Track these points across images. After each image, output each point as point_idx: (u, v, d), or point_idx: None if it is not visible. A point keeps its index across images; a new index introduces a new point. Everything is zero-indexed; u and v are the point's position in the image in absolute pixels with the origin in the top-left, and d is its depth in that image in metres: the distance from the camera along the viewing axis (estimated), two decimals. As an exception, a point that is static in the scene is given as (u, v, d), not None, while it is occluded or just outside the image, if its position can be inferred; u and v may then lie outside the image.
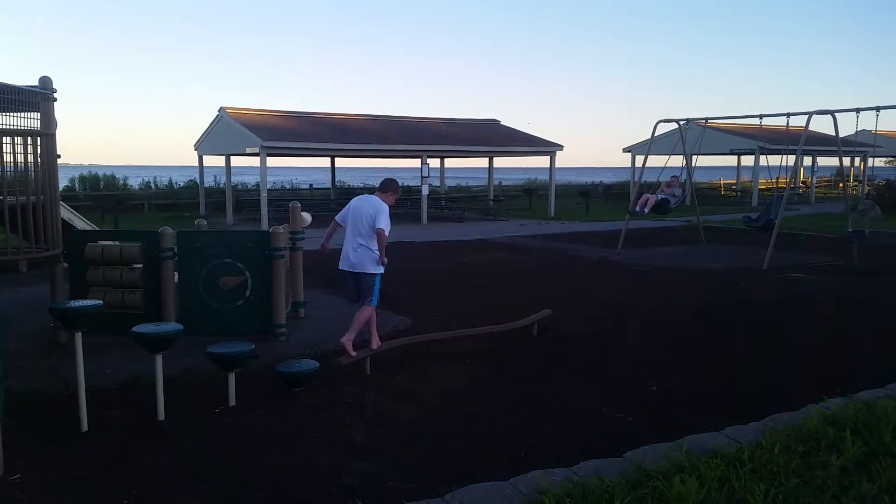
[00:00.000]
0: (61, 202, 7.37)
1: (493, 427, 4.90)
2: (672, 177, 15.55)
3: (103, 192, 26.43)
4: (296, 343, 7.19)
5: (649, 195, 14.88)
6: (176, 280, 7.27)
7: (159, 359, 5.10)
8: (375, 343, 6.47)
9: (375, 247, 6.24)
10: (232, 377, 5.36)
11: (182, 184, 30.09)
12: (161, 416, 5.10)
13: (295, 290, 8.27)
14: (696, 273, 11.88)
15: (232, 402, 5.37)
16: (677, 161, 16.34)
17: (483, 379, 6.09)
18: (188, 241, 7.24)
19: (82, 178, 28.21)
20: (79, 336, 4.90)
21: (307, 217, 8.61)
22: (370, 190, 29.96)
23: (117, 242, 7.43)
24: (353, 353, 6.24)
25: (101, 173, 29.43)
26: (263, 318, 7.26)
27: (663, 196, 14.75)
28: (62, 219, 7.47)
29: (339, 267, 6.43)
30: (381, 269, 6.37)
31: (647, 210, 14.83)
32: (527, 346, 7.24)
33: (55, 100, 6.77)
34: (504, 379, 6.09)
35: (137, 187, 29.60)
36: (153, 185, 29.77)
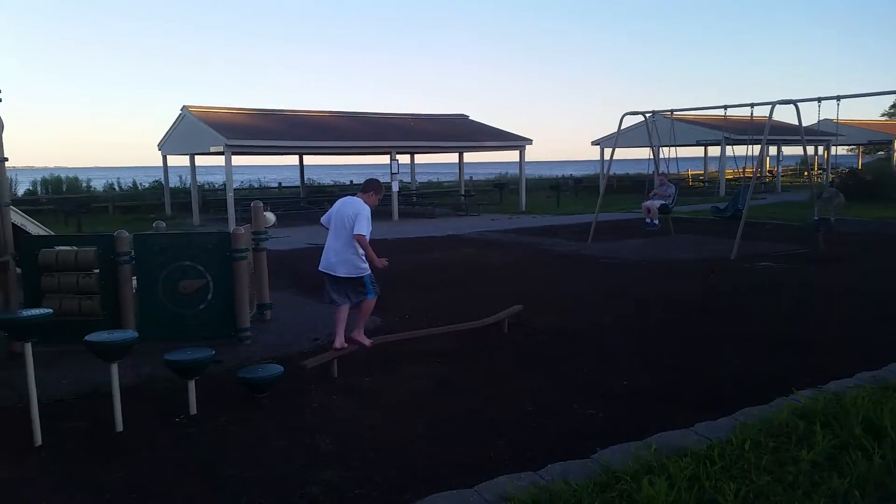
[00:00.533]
0: (12, 207, 7.12)
1: (461, 429, 4.80)
2: (661, 175, 15.57)
3: (66, 195, 25.83)
4: (262, 346, 7.01)
5: (650, 205, 14.88)
6: (135, 285, 7.05)
7: (115, 368, 4.91)
8: (339, 342, 6.31)
9: (357, 250, 6.12)
10: (192, 385, 5.19)
11: (147, 185, 29.51)
12: (119, 427, 4.91)
13: (260, 291, 8.09)
14: (665, 264, 11.91)
15: (193, 410, 5.19)
16: (646, 153, 16.39)
17: (452, 379, 5.99)
18: (145, 244, 7.01)
19: (44, 181, 27.48)
20: (28, 347, 4.70)
21: (270, 217, 8.41)
22: (341, 188, 29.56)
23: (73, 247, 7.17)
24: (368, 342, 6.45)
25: (63, 175, 28.73)
26: (227, 322, 7.06)
27: (661, 202, 14.78)
28: (14, 224, 7.23)
29: (320, 268, 6.30)
30: (366, 271, 6.26)
31: (657, 221, 14.89)
32: (497, 343, 7.15)
33: (0, 100, 6.50)
34: (474, 378, 5.99)
35: (101, 189, 28.95)
36: (117, 187, 29.14)
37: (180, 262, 6.99)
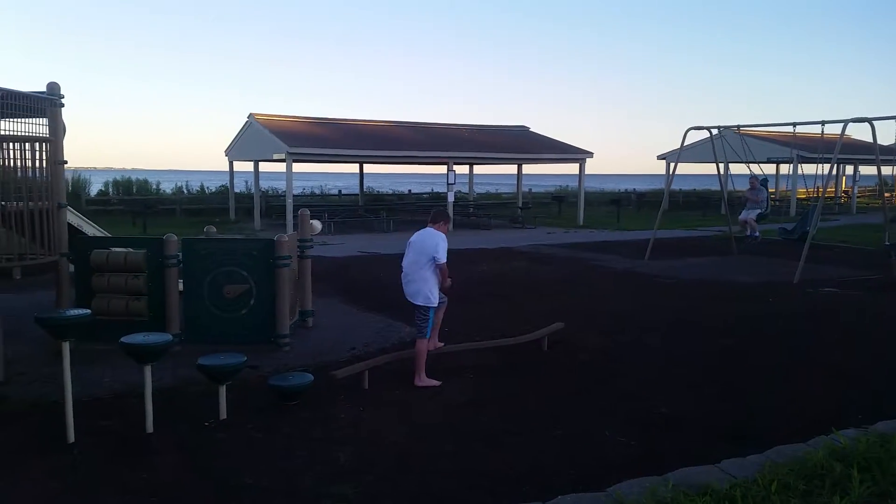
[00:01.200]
0: (69, 208, 7.39)
1: (485, 449, 4.68)
2: (751, 178, 15.12)
3: (135, 197, 26.84)
4: (298, 353, 7.06)
5: (745, 217, 14.51)
6: (181, 288, 7.20)
7: (148, 370, 5.01)
8: (423, 379, 6.20)
9: (432, 279, 6.25)
10: (223, 390, 5.24)
11: (213, 189, 30.40)
12: (149, 428, 5.00)
13: (303, 298, 8.15)
14: (722, 286, 11.47)
15: (223, 415, 5.24)
16: (711, 169, 15.90)
17: (484, 395, 5.87)
18: (192, 248, 7.17)
19: (115, 183, 28.66)
20: (66, 346, 4.83)
21: (317, 225, 8.48)
22: (399, 196, 29.85)
23: (125, 249, 7.39)
24: (437, 383, 6.20)
25: (134, 178, 29.89)
26: (267, 328, 7.14)
27: (756, 211, 14.36)
28: (71, 224, 7.50)
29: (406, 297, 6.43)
30: (435, 303, 6.30)
31: (757, 233, 14.53)
32: (535, 361, 6.99)
33: (62, 105, 6.76)
34: (506, 396, 5.86)
35: (170, 192, 29.98)
36: (185, 190, 30.13)
37: (225, 266, 7.11)
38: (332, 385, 5.86)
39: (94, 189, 28.21)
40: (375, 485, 4.09)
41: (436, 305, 6.34)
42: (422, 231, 6.46)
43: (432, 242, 6.24)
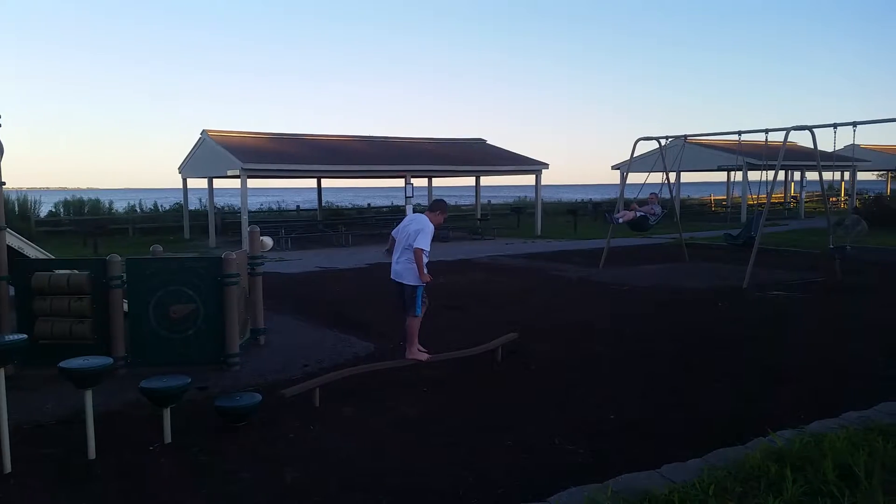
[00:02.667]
0: (9, 230, 7.20)
1: (435, 463, 4.66)
2: (651, 194, 15.41)
3: (87, 217, 26.25)
4: (250, 373, 6.96)
5: (627, 212, 14.76)
6: (126, 309, 7.06)
7: (89, 395, 4.88)
8: (413, 353, 6.79)
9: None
10: (167, 413, 5.13)
11: (168, 207, 29.90)
12: (92, 454, 4.87)
13: (254, 316, 8.06)
14: (673, 292, 11.67)
15: (168, 438, 5.13)
16: (661, 178, 16.23)
17: (437, 409, 5.86)
18: (137, 268, 7.03)
19: (66, 203, 27.98)
20: (1, 372, 4.68)
21: (268, 241, 8.41)
22: (358, 211, 29.68)
23: (68, 271, 7.21)
24: (426, 357, 6.83)
25: (86, 197, 29.23)
26: (216, 348, 7.02)
27: (642, 214, 14.60)
28: (11, 247, 7.30)
29: (391, 276, 6.91)
30: (422, 283, 6.73)
31: (621, 221, 14.77)
32: (489, 372, 7.02)
33: (-1, 126, 6.60)
34: (459, 409, 5.86)
35: (123, 211, 29.38)
36: (138, 209, 29.57)
37: (171, 286, 6.99)
38: (283, 404, 5.79)
39: (45, 209, 27.50)
40: (321, 505, 4.05)
41: (423, 285, 6.70)
42: (415, 215, 6.93)
43: (416, 228, 6.65)
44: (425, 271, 6.62)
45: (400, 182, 23.00)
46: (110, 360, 5.00)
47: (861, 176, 41.99)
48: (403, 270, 6.69)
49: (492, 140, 28.44)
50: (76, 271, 7.05)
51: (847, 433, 4.07)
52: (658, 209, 14.90)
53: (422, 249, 6.54)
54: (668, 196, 15.91)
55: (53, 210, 27.86)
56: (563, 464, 4.59)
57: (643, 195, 15.61)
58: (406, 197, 22.18)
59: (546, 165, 24.89)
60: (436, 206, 7.01)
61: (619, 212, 15.09)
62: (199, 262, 7.30)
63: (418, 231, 6.61)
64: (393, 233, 7.00)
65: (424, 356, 6.80)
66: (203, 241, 23.28)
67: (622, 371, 6.91)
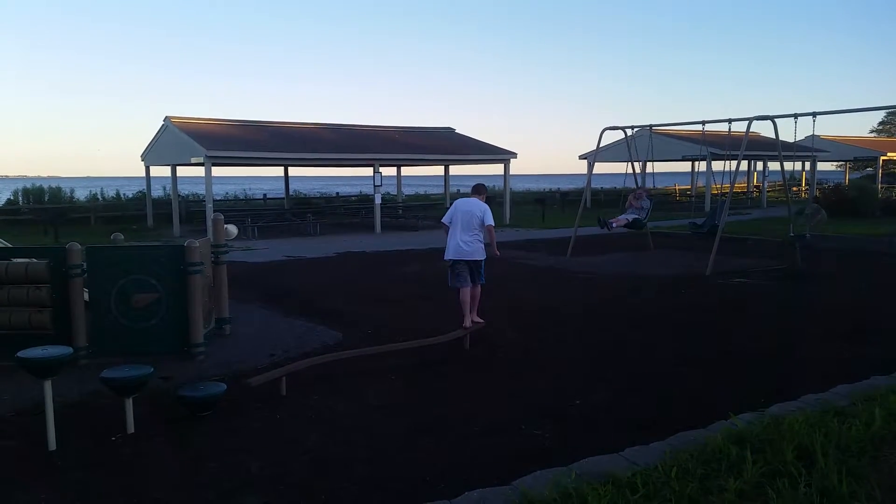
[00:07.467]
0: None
1: (401, 451, 4.67)
2: (639, 189, 15.50)
3: (47, 205, 25.63)
4: (214, 362, 6.87)
5: (620, 217, 14.83)
6: (87, 298, 6.91)
7: (48, 385, 4.78)
8: (468, 322, 7.61)
9: (483, 238, 7.62)
10: (129, 403, 5.04)
11: (130, 195, 29.33)
12: (52, 445, 4.77)
13: (219, 305, 7.96)
14: (638, 279, 11.83)
15: (130, 429, 5.05)
16: (629, 167, 16.36)
17: (405, 397, 5.87)
18: (98, 256, 6.88)
19: (26, 191, 27.26)
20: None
21: (232, 229, 8.29)
22: (327, 200, 29.50)
23: (31, 259, 7.04)
24: (472, 323, 7.68)
25: (46, 185, 28.51)
26: (180, 337, 6.92)
27: (634, 216, 14.70)
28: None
29: (450, 257, 7.75)
30: (486, 256, 7.69)
31: (615, 227, 14.82)
32: (457, 359, 7.05)
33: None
34: (427, 396, 5.87)
35: (84, 199, 28.73)
36: (100, 197, 28.95)
37: (133, 275, 6.86)
38: (249, 393, 5.74)
39: (3, 198, 26.78)
40: (286, 494, 4.02)
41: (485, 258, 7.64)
42: (467, 199, 7.77)
43: (480, 210, 7.57)
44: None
45: (368, 171, 22.88)
46: (70, 350, 4.89)
47: (821, 166, 42.90)
48: (472, 248, 7.55)
49: (461, 130, 28.41)
50: (35, 260, 6.89)
51: (805, 415, 4.18)
52: (646, 203, 15.02)
53: (492, 225, 7.58)
54: (632, 186, 16.05)
55: (12, 198, 27.14)
56: (530, 448, 4.62)
57: (609, 185, 15.70)
58: (374, 186, 22.06)
59: (514, 155, 24.96)
60: (479, 189, 7.88)
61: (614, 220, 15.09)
62: (161, 250, 7.18)
63: (484, 211, 7.55)
64: (444, 220, 7.83)
65: (479, 321, 7.80)
66: (167, 230, 22.90)
67: (586, 358, 6.98)
